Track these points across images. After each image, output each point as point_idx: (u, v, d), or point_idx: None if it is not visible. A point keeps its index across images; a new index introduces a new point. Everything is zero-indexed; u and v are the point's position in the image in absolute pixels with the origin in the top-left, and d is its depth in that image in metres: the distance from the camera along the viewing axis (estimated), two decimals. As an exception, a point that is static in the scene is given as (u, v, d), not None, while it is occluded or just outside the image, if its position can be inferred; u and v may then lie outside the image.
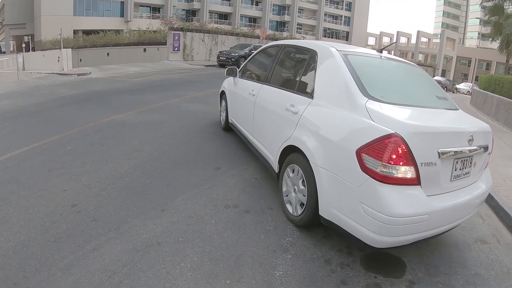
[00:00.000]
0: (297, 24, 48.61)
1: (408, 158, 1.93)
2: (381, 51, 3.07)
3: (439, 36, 51.24)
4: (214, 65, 19.39)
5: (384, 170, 1.92)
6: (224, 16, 43.78)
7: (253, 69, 4.32)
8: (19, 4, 35.07)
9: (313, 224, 2.50)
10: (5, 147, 4.06)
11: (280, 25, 48.17)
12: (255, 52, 4.35)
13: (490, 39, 25.94)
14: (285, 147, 2.80)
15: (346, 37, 53.71)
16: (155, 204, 2.86)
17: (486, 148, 2.42)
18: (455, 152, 2.13)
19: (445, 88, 25.32)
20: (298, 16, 48.51)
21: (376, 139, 1.96)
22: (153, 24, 29.40)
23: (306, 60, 3.03)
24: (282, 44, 3.65)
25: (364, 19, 55.60)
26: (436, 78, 30.80)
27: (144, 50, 22.62)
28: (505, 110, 10.02)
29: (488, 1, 22.34)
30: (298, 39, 25.47)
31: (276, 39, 21.36)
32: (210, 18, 40.44)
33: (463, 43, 63.38)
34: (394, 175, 1.93)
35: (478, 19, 43.68)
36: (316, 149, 2.37)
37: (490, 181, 2.65)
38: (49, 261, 2.07)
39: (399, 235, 1.98)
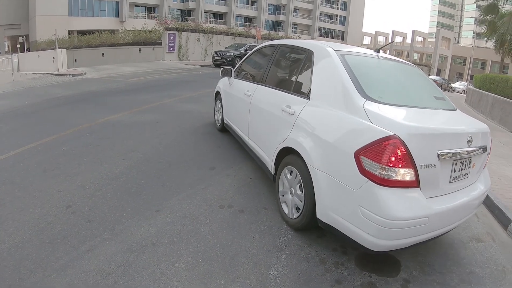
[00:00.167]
0: (293, 24, 48.67)
1: (408, 160, 1.90)
2: (378, 51, 3.04)
3: (434, 35, 51.62)
4: (209, 65, 19.39)
5: (383, 172, 1.88)
6: (219, 16, 43.72)
7: (248, 69, 4.28)
8: (14, 4, 34.72)
9: (310, 227, 2.47)
10: (-1, 148, 4.03)
11: (276, 25, 48.21)
12: (251, 52, 4.30)
13: (485, 38, 26.05)
14: (281, 149, 2.75)
15: (341, 37, 53.82)
16: (150, 205, 2.85)
17: (484, 149, 2.39)
18: (455, 153, 2.10)
19: (441, 87, 25.35)
20: (293, 16, 48.57)
21: (375, 141, 1.92)
22: (148, 24, 29.29)
23: (302, 60, 2.97)
24: (278, 44, 3.60)
25: (359, 19, 55.77)
26: (432, 77, 30.92)
27: (139, 50, 22.58)
28: (500, 109, 10.08)
29: (483, 0, 22.44)
30: (294, 38, 25.56)
31: (271, 39, 21.40)
32: (206, 18, 40.44)
33: (458, 42, 63.71)
34: (393, 178, 1.90)
35: (473, 19, 44.02)
36: (313, 151, 2.32)
37: (489, 181, 2.62)
38: (44, 263, 2.06)
39: (399, 239, 1.95)
